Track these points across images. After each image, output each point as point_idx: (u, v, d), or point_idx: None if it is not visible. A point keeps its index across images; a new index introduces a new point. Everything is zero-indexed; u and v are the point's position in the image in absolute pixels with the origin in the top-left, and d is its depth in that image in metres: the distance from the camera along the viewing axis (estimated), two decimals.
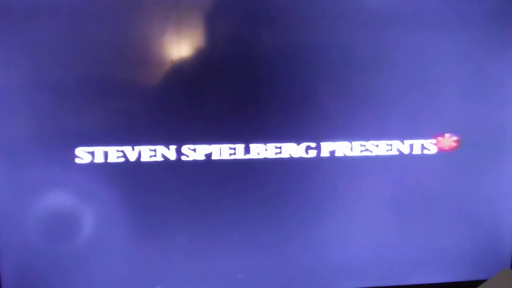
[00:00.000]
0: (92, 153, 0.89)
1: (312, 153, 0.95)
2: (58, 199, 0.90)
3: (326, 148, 0.95)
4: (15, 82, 0.85)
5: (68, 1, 0.85)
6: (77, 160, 0.89)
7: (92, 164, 0.89)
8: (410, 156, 0.98)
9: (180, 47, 0.89)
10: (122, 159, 0.90)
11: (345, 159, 0.96)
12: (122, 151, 0.90)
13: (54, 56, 0.85)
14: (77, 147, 0.88)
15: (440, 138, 0.98)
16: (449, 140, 0.98)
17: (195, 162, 0.92)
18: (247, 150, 0.93)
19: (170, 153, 0.91)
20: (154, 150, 0.91)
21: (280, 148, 0.94)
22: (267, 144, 0.93)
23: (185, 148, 0.91)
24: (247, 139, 0.93)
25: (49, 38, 0.85)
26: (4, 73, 0.85)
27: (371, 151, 0.96)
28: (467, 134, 0.99)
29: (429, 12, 0.94)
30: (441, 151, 0.98)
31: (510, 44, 0.97)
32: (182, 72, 0.90)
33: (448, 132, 0.98)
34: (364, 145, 0.96)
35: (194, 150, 0.92)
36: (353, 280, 1.02)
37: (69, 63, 0.86)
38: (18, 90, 0.85)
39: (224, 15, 0.89)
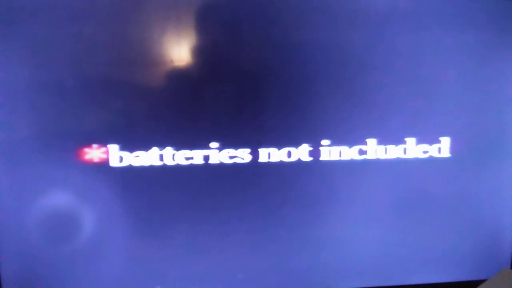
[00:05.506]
0: (93, 154, 0.89)
1: (311, 156, 0.95)
2: (59, 199, 0.90)
3: (324, 151, 0.95)
4: (18, 82, 0.85)
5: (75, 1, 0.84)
6: (78, 160, 0.89)
7: (92, 165, 0.89)
8: (409, 158, 0.97)
9: (184, 48, 0.89)
10: (124, 161, 0.90)
11: (343, 161, 0.96)
12: (125, 153, 0.90)
13: (56, 56, 0.85)
14: (78, 147, 0.88)
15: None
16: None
17: (196, 165, 0.92)
18: (250, 153, 0.93)
19: (171, 156, 0.91)
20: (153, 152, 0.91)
21: (281, 150, 0.94)
22: (266, 147, 0.93)
23: (186, 151, 0.92)
24: (245, 141, 0.93)
25: (51, 38, 0.85)
26: (5, 74, 0.85)
27: (370, 154, 0.96)
28: (464, 136, 0.99)
29: (424, 15, 0.93)
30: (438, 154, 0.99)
31: (502, 46, 0.97)
32: (186, 74, 0.90)
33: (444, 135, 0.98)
34: (361, 148, 0.96)
35: (196, 151, 0.92)
36: (353, 280, 1.02)
37: (71, 63, 0.86)
38: (20, 90, 0.86)
39: (226, 16, 0.89)
